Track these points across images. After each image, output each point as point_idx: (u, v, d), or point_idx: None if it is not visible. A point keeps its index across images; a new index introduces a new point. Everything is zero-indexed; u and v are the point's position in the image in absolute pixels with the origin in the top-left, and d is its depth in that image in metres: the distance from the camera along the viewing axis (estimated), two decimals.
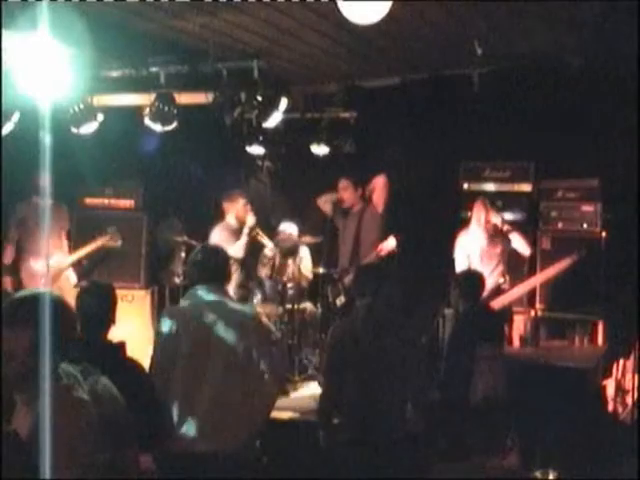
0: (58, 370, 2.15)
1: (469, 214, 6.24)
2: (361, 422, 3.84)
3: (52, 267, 6.41)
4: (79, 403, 2.11)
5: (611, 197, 6.46)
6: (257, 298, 6.72)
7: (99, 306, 3.30)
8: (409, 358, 3.93)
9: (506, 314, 5.89)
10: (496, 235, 6.04)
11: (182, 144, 6.81)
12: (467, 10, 5.04)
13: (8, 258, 6.29)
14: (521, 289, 5.95)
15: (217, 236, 6.49)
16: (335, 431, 3.96)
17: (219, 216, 6.84)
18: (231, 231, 6.58)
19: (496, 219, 6.04)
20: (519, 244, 6.06)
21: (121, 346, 3.30)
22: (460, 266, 5.99)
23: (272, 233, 7.42)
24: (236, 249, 6.39)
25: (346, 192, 6.57)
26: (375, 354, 3.87)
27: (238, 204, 6.61)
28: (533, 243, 6.62)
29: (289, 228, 7.04)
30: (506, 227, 6.05)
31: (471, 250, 6.01)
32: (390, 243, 6.38)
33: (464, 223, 6.33)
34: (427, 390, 4.10)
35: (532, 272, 6.38)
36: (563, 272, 5.89)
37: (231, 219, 6.67)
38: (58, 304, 2.18)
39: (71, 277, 6.65)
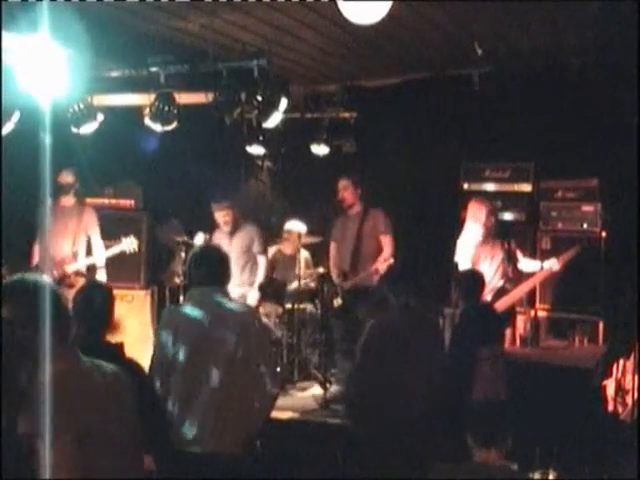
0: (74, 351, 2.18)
1: (467, 214, 6.22)
2: (386, 415, 3.94)
3: (71, 270, 6.36)
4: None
5: (611, 197, 6.47)
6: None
7: (97, 306, 3.30)
8: (437, 357, 4.06)
9: (508, 314, 5.88)
10: (496, 234, 6.04)
11: (182, 144, 6.81)
12: (467, 10, 5.04)
13: (35, 259, 6.27)
14: (525, 287, 5.93)
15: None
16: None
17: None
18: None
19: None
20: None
21: (119, 347, 3.29)
22: (461, 266, 5.98)
23: (272, 233, 7.44)
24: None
25: (346, 191, 6.53)
26: (411, 351, 3.97)
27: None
28: (533, 243, 6.63)
29: (296, 227, 7.00)
30: None
31: (471, 250, 6.00)
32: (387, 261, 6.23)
33: (464, 223, 6.32)
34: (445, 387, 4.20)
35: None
36: (565, 267, 5.88)
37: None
38: (51, 288, 2.20)
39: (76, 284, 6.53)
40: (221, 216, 6.51)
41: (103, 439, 2.11)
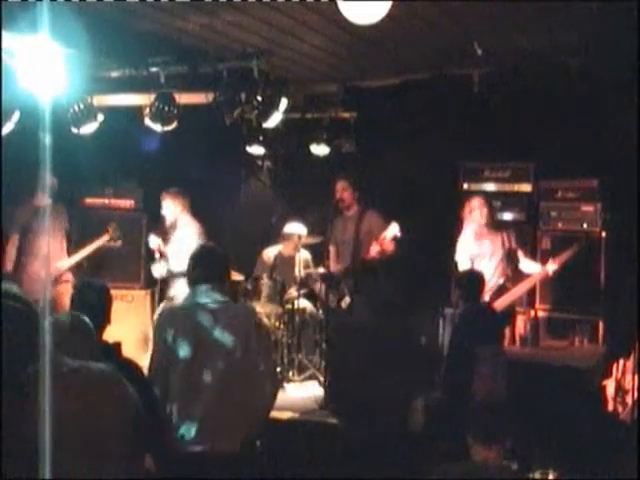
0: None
1: (465, 213, 6.22)
2: (369, 416, 3.91)
3: (65, 267, 6.42)
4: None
5: (611, 197, 6.47)
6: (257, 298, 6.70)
7: (93, 306, 3.30)
8: (412, 355, 4.01)
9: (509, 314, 5.89)
10: (497, 232, 6.06)
11: (182, 144, 6.81)
12: (466, 10, 5.04)
13: (9, 263, 6.22)
14: (523, 287, 5.94)
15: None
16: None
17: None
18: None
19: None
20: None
21: (116, 346, 3.29)
22: (461, 266, 5.99)
23: (272, 233, 7.43)
24: None
25: (345, 192, 6.55)
26: (381, 349, 3.94)
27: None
28: (533, 243, 6.63)
29: (296, 229, 7.00)
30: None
31: (473, 250, 6.01)
32: (392, 230, 6.08)
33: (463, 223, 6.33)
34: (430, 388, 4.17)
35: None
36: (564, 266, 5.89)
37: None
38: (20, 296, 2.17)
39: (71, 280, 6.61)
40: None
41: (81, 442, 2.09)
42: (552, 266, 5.89)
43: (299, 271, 6.71)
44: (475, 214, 6.00)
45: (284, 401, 5.63)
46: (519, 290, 5.90)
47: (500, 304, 5.59)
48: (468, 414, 3.20)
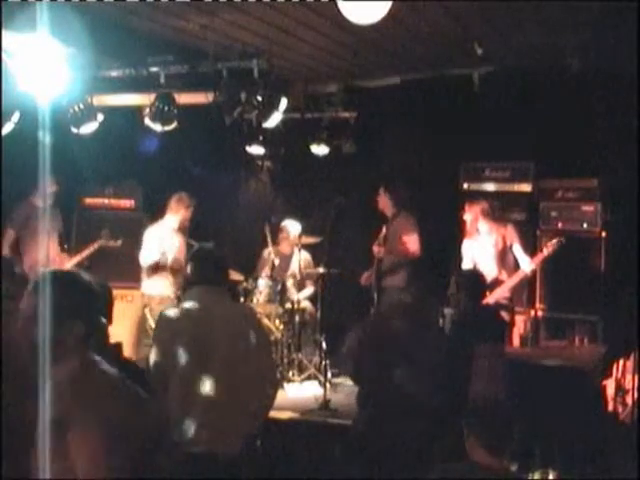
0: None
1: (469, 217, 6.23)
2: (395, 415, 3.94)
3: (69, 267, 6.43)
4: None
5: (611, 197, 6.47)
6: (257, 298, 6.70)
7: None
8: (439, 354, 4.06)
9: (510, 313, 5.93)
10: (496, 231, 6.10)
11: (182, 144, 6.81)
12: (467, 10, 5.05)
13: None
14: (512, 281, 5.97)
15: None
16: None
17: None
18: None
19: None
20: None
21: (117, 347, 3.29)
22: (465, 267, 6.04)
23: (272, 233, 7.44)
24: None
25: (379, 197, 6.69)
26: (413, 348, 3.98)
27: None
28: (533, 243, 6.64)
29: (291, 226, 7.04)
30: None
31: (480, 254, 6.05)
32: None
33: (465, 224, 6.33)
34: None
35: None
36: (548, 259, 5.96)
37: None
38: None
39: None
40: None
41: (124, 433, 2.09)
42: (530, 265, 5.94)
43: (298, 269, 6.74)
44: (475, 217, 6.06)
45: (284, 401, 5.63)
46: (510, 283, 5.95)
47: (491, 298, 5.65)
48: (467, 414, 3.19)
